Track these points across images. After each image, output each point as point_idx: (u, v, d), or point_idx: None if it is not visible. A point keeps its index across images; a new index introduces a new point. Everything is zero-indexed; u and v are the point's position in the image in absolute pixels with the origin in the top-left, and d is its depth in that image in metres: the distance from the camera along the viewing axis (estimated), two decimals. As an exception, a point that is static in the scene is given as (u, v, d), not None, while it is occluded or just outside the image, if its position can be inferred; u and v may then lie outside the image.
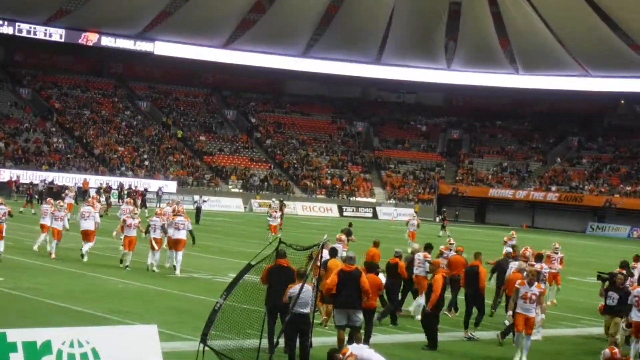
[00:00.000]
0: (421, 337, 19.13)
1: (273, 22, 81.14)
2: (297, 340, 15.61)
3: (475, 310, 20.72)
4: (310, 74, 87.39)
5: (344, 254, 19.73)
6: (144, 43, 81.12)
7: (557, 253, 27.39)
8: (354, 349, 12.98)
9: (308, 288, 15.62)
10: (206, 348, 14.28)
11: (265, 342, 15.18)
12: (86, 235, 29.51)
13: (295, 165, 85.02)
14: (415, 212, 60.14)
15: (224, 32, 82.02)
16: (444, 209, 66.27)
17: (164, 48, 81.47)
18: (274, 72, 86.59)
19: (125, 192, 64.39)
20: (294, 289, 15.52)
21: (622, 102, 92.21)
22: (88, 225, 29.51)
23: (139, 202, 55.80)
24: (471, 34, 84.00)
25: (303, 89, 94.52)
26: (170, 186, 72.29)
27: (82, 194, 59.72)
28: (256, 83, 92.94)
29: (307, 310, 15.62)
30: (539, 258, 23.32)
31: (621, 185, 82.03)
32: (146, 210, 53.78)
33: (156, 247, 27.85)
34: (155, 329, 13.49)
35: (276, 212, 42.90)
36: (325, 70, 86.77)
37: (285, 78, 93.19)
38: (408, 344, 19.31)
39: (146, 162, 76.93)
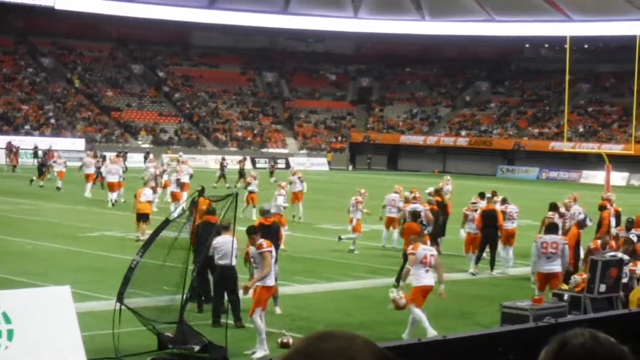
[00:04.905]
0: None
1: (177, -27, 79.86)
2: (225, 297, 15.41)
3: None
4: (217, 26, 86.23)
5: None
6: (45, -3, 79.11)
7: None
8: None
9: (227, 239, 15.33)
10: (123, 307, 13.90)
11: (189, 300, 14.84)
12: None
13: (206, 118, 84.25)
14: (329, 161, 60.21)
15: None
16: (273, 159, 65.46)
17: (65, 2, 79.47)
18: (180, 24, 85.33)
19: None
20: (215, 241, 15.28)
21: (527, 45, 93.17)
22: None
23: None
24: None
25: (210, 41, 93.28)
26: (78, 144, 70.97)
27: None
28: (162, 36, 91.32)
29: (227, 261, 15.35)
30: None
31: (529, 128, 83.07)
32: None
33: None
34: (68, 289, 13.07)
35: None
36: (232, 21, 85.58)
37: (192, 30, 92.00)
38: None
39: (52, 120, 75.40)
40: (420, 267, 15.49)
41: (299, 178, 34.31)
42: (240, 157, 58.66)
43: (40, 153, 56.59)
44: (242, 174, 48.55)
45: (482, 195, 26.02)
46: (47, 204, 35.81)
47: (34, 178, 44.52)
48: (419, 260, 15.48)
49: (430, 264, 15.56)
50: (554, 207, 23.96)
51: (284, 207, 26.66)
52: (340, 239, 26.58)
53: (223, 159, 54.05)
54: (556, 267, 17.66)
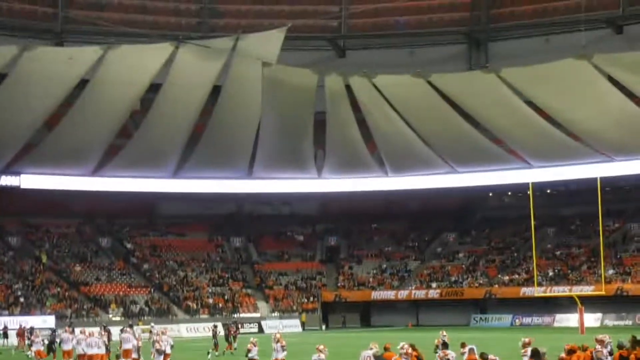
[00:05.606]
0: None
1: (141, 146, 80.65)
2: None
3: None
4: (183, 194, 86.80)
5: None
6: (10, 177, 79.26)
7: None
8: None
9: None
10: None
11: None
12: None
13: (176, 287, 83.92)
14: (303, 322, 59.89)
15: (92, 159, 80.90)
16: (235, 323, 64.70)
17: (30, 181, 79.80)
18: (146, 195, 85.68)
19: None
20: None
21: (491, 194, 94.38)
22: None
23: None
24: (338, 141, 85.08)
25: (177, 210, 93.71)
26: (49, 321, 70.23)
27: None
28: (129, 208, 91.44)
29: None
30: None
31: (499, 276, 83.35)
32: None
33: None
34: None
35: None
36: (198, 189, 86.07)
37: (158, 200, 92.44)
38: None
39: (21, 299, 74.77)
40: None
41: (282, 346, 33.48)
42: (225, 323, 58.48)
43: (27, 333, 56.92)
44: (229, 340, 49.04)
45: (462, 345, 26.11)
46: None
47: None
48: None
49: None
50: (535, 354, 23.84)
51: None
52: None
53: (215, 326, 54.07)
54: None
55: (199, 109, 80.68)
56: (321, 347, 27.67)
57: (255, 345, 33.11)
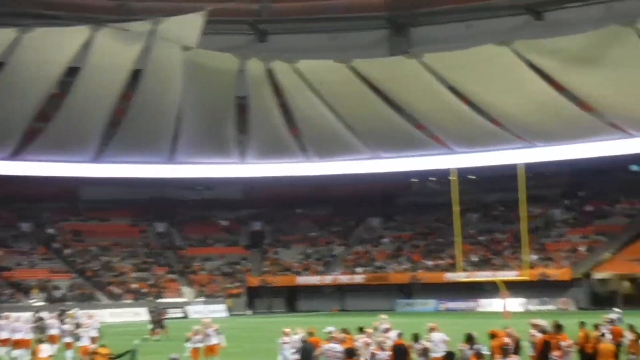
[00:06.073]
0: None
1: (60, 130, 79.39)
2: None
3: None
4: (105, 179, 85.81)
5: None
6: None
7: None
8: None
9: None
10: None
11: None
12: None
13: (99, 273, 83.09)
14: (229, 307, 59.68)
15: (10, 143, 79.52)
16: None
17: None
18: (68, 179, 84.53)
19: None
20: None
21: (415, 180, 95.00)
22: None
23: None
24: (261, 126, 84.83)
25: (99, 195, 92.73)
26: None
27: None
28: (50, 192, 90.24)
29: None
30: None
31: (423, 261, 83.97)
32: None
33: None
34: None
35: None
36: (120, 174, 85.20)
37: (80, 185, 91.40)
38: None
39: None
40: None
41: (216, 330, 33.53)
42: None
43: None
44: (162, 325, 48.71)
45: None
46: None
47: None
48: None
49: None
50: (468, 339, 24.24)
51: None
52: None
53: (152, 311, 53.48)
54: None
55: (119, 93, 79.85)
56: (288, 330, 27.87)
57: (197, 334, 32.78)
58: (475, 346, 23.42)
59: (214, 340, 32.87)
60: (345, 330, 26.45)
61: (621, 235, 79.95)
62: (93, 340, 35.40)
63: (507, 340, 24.29)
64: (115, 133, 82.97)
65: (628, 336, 27.41)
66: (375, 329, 30.19)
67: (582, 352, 26.00)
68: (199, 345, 32.42)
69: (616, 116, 72.67)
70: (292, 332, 27.76)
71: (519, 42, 70.52)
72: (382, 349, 24.07)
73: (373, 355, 23.96)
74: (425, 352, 25.10)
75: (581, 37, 68.91)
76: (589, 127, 72.82)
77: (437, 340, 25.64)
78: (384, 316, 34.11)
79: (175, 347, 30.97)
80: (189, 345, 32.39)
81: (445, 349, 25.43)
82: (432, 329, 26.59)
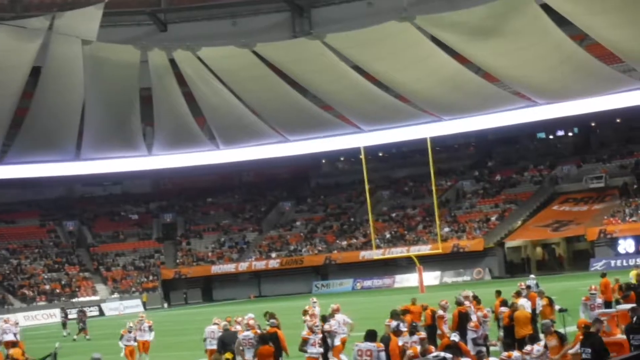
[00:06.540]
0: None
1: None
2: None
3: None
4: (10, 180, 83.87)
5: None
6: None
7: None
8: None
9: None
10: None
11: None
12: None
13: (10, 276, 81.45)
14: (144, 301, 58.78)
15: None
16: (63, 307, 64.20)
17: None
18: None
19: None
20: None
21: (324, 161, 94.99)
22: None
23: None
24: (166, 116, 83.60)
25: (4, 197, 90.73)
26: None
27: None
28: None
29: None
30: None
31: (337, 241, 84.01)
32: None
33: None
34: None
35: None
36: (24, 174, 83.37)
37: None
38: None
39: None
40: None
41: (149, 327, 32.71)
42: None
43: None
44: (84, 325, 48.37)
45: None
46: None
47: None
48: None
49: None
50: (393, 315, 24.27)
51: None
52: None
53: (80, 312, 52.35)
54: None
55: (19, 92, 77.98)
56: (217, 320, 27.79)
57: (129, 332, 31.94)
58: (394, 323, 23.34)
59: (146, 337, 32.15)
60: (272, 315, 26.23)
61: (530, 202, 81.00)
62: (11, 344, 34.72)
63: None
64: (18, 133, 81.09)
65: (540, 302, 27.80)
66: (306, 312, 30.30)
67: (498, 320, 26.15)
68: (133, 343, 31.56)
69: (520, 85, 73.28)
70: (220, 322, 27.35)
71: (420, 18, 70.58)
72: (313, 332, 23.96)
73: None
74: (329, 334, 25.17)
75: (481, 9, 69.13)
76: (494, 97, 73.29)
77: (340, 322, 26.03)
78: (314, 299, 34.27)
79: (96, 347, 30.28)
80: (122, 343, 31.52)
81: (346, 330, 26.06)
82: (334, 311, 26.81)
